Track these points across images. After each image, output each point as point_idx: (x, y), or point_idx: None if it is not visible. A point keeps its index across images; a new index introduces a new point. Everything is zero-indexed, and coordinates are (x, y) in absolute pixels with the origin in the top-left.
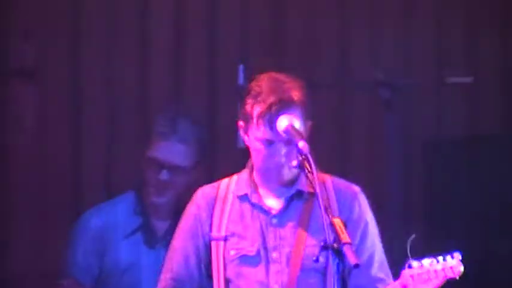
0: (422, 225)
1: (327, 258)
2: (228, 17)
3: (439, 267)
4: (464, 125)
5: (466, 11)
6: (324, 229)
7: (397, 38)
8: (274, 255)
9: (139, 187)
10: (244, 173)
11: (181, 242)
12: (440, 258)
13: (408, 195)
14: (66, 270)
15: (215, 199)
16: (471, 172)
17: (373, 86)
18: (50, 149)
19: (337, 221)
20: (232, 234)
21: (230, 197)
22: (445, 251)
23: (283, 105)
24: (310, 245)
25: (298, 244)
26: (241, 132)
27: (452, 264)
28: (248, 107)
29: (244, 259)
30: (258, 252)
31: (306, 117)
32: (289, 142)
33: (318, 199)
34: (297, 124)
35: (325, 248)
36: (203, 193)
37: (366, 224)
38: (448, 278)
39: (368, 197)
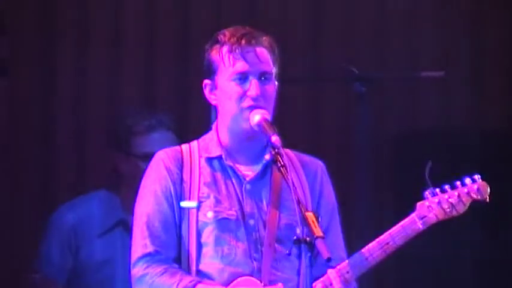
0: (393, 217)
1: (299, 251)
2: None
3: (463, 190)
4: (436, 118)
5: (437, 5)
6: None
7: (371, 32)
8: (251, 221)
9: (112, 184)
10: (210, 135)
11: (159, 205)
12: (458, 182)
13: (379, 189)
14: (38, 264)
15: (181, 161)
16: (443, 165)
17: (346, 80)
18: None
19: (309, 215)
20: (207, 197)
21: (196, 159)
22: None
23: (253, 35)
24: (285, 220)
25: (272, 215)
26: (206, 92)
27: (478, 185)
28: (214, 54)
29: (224, 223)
30: (238, 216)
31: (276, 74)
32: (264, 80)
33: (291, 192)
34: (271, 93)
35: (297, 242)
36: (168, 155)
37: (334, 205)
38: (475, 200)
39: (338, 190)
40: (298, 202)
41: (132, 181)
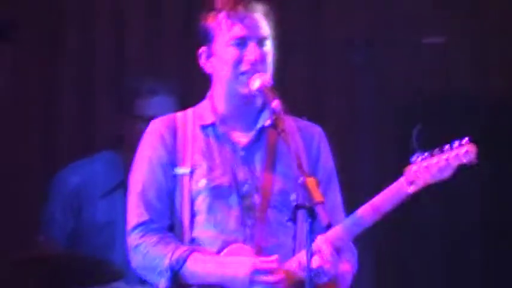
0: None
1: (295, 214)
2: None
3: (451, 154)
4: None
5: None
6: (290, 173)
7: None
8: (245, 188)
9: (118, 146)
10: (205, 103)
11: (153, 173)
12: (447, 146)
13: (381, 151)
14: (42, 226)
15: (175, 129)
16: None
17: (346, 46)
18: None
19: (310, 180)
20: (200, 165)
21: (190, 127)
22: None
23: (251, 1)
24: (280, 185)
25: (267, 182)
26: (202, 60)
27: (466, 148)
28: (211, 20)
29: (217, 190)
30: (231, 183)
31: (273, 34)
32: (263, 40)
33: (291, 156)
34: (269, 59)
35: (297, 206)
36: (162, 123)
37: (332, 170)
38: (463, 163)
39: (340, 153)
40: (299, 166)
41: (135, 143)
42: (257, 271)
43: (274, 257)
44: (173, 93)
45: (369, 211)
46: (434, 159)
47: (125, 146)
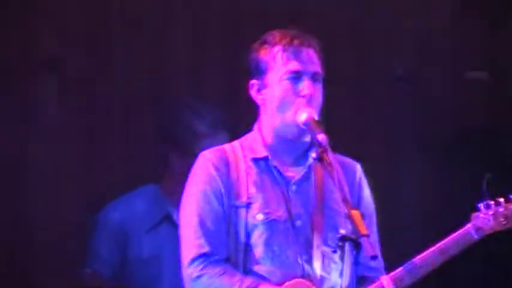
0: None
1: (343, 253)
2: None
3: None
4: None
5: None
6: (338, 208)
7: (416, 31)
8: (298, 223)
9: (159, 180)
10: (254, 135)
11: (208, 205)
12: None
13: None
14: (88, 260)
15: (227, 161)
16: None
17: (392, 80)
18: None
19: (355, 213)
20: (255, 198)
21: (242, 159)
22: None
23: (305, 37)
24: (331, 221)
25: (317, 216)
26: (253, 92)
27: None
28: (264, 53)
29: (274, 224)
30: (286, 218)
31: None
32: (317, 76)
33: (337, 189)
34: (319, 94)
35: (343, 239)
36: (214, 155)
37: (373, 208)
38: None
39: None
40: (345, 199)
41: (184, 178)
42: None
43: None
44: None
45: (436, 254)
46: (501, 208)
47: (168, 179)
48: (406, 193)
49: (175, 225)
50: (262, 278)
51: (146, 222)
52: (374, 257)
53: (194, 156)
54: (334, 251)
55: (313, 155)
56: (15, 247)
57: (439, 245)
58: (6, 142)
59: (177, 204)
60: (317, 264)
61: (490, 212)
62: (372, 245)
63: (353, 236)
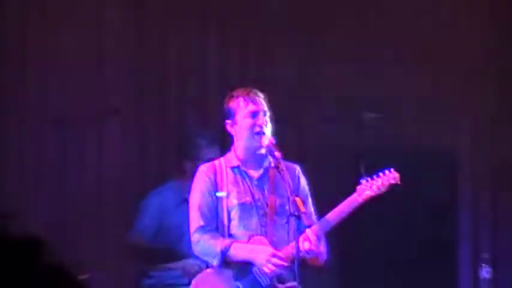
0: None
1: (288, 220)
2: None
3: (385, 178)
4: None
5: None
6: (285, 194)
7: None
8: (259, 203)
9: (179, 177)
10: (231, 154)
11: (204, 197)
12: (381, 173)
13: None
14: (132, 233)
15: (215, 170)
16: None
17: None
18: None
19: (297, 199)
20: (232, 191)
21: (224, 168)
22: None
23: (255, 91)
24: (279, 202)
25: (271, 200)
26: (228, 127)
27: (394, 174)
28: (233, 103)
29: (243, 205)
30: (251, 201)
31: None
32: (266, 113)
33: (286, 184)
34: (269, 124)
35: (290, 215)
36: (208, 168)
37: (308, 190)
38: (392, 184)
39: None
40: (291, 191)
41: (191, 175)
42: (273, 255)
43: (283, 254)
44: (217, 141)
45: (335, 215)
46: (374, 182)
47: (186, 177)
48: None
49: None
50: (238, 238)
51: (173, 203)
52: (309, 226)
53: (200, 161)
54: (287, 222)
55: (272, 164)
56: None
57: (336, 208)
58: None
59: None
60: (270, 229)
61: (368, 184)
62: (307, 218)
63: (296, 213)
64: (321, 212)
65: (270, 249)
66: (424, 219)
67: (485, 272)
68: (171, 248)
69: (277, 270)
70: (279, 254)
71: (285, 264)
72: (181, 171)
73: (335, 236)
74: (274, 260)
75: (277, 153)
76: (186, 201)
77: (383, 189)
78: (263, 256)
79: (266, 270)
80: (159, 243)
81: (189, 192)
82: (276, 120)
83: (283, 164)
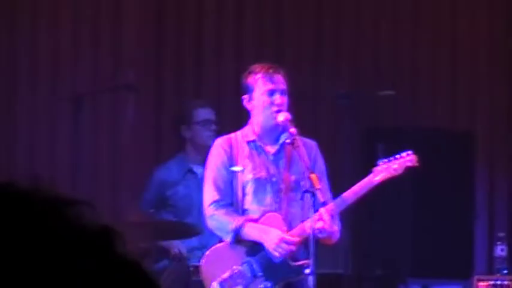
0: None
1: (303, 197)
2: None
3: (401, 160)
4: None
5: None
6: (301, 170)
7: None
8: (274, 179)
9: (184, 147)
10: (248, 128)
11: (219, 171)
12: (398, 156)
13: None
14: (140, 203)
15: (231, 144)
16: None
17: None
18: None
19: (312, 175)
20: (247, 165)
21: (240, 142)
22: None
23: (275, 67)
24: (294, 178)
25: (286, 176)
26: (245, 102)
27: (411, 157)
28: (251, 80)
29: (258, 180)
30: (266, 176)
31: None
32: (283, 91)
33: (301, 161)
34: (285, 96)
35: (305, 191)
36: (224, 141)
37: (324, 170)
38: (409, 167)
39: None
40: (307, 168)
41: (195, 141)
42: (282, 240)
43: (295, 233)
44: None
45: (350, 194)
46: (391, 164)
47: (187, 146)
48: (345, 164)
49: (194, 174)
50: (251, 213)
51: (177, 175)
52: (324, 203)
53: (196, 124)
54: (301, 198)
55: (288, 140)
56: None
57: (352, 188)
58: None
59: (194, 161)
60: (284, 204)
61: (385, 166)
62: (322, 194)
63: (311, 189)
64: (336, 190)
65: (279, 234)
66: (440, 198)
67: (501, 250)
68: (179, 220)
69: (286, 255)
70: (289, 237)
71: (294, 248)
72: (182, 141)
73: (351, 212)
74: (284, 245)
75: (292, 130)
76: (190, 171)
77: (400, 171)
78: (273, 240)
79: (275, 254)
80: (167, 215)
81: (192, 162)
82: (292, 96)
83: (299, 140)
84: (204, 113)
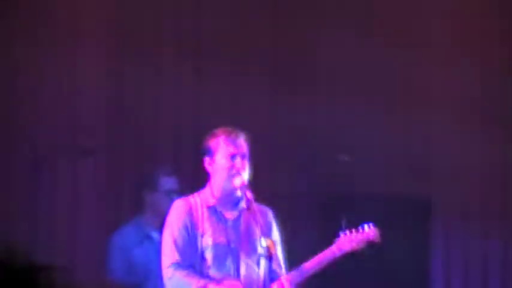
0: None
1: (258, 261)
2: None
3: (363, 234)
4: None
5: None
6: (257, 236)
7: None
8: (233, 245)
9: (141, 212)
10: (207, 191)
11: (180, 232)
12: (360, 228)
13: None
14: (110, 275)
15: (191, 207)
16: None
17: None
18: None
19: (269, 241)
20: (207, 230)
21: (199, 205)
22: None
23: (237, 132)
24: (251, 242)
25: (245, 242)
26: (206, 164)
27: (373, 231)
28: (213, 143)
29: (217, 246)
30: (225, 243)
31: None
32: (244, 156)
33: (258, 227)
34: (247, 167)
35: (261, 256)
36: (183, 203)
37: (279, 237)
38: (371, 241)
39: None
40: (264, 233)
41: (156, 208)
42: None
43: None
44: (174, 175)
45: (313, 265)
46: (353, 236)
47: (146, 211)
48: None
49: (152, 241)
50: (211, 279)
51: (135, 240)
52: (276, 272)
53: (158, 192)
54: (257, 263)
55: (244, 205)
56: None
57: (315, 258)
58: None
59: (152, 227)
60: (242, 270)
61: (347, 239)
62: (276, 263)
63: (267, 254)
64: (291, 260)
65: None
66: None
67: None
68: (139, 286)
69: None
70: None
71: None
72: (141, 205)
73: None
74: None
75: (248, 194)
76: (148, 237)
77: (361, 245)
78: None
79: None
80: (130, 281)
81: (150, 227)
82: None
83: (255, 206)
84: (170, 183)
